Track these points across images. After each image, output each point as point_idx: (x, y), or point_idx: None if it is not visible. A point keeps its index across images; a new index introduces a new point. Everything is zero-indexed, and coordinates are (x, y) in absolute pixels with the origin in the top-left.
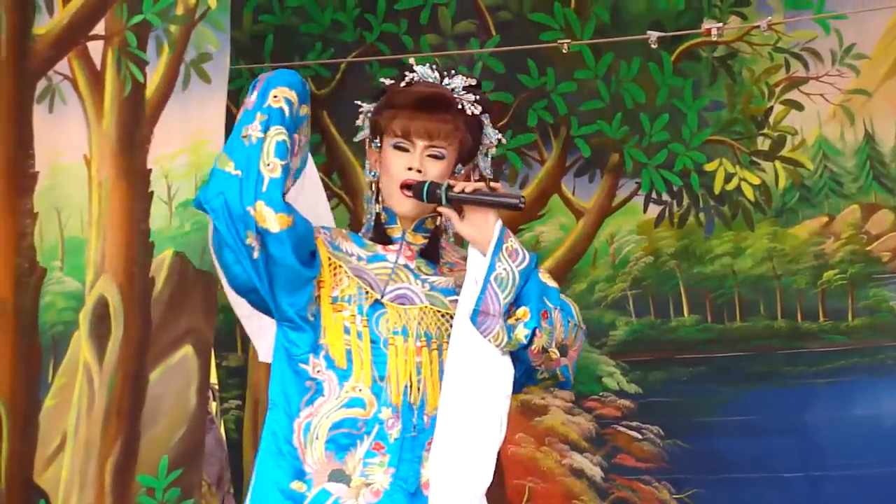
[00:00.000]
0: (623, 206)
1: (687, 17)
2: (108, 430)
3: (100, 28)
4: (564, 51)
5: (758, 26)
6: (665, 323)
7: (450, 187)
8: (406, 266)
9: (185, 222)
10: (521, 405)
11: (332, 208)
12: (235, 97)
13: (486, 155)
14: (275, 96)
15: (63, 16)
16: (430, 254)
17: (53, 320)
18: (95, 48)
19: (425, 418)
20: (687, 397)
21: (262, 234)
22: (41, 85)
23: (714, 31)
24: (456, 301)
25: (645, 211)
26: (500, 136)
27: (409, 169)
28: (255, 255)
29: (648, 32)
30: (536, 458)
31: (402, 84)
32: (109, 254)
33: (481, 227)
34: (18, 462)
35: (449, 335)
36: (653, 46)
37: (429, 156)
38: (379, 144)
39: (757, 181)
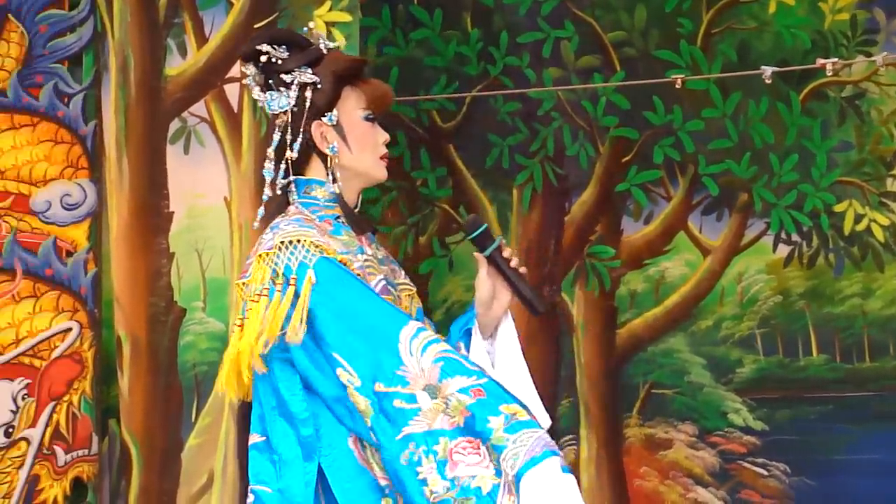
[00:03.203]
0: (752, 246)
1: (813, 55)
2: None
3: (235, 71)
4: (678, 86)
5: (874, 61)
6: (794, 362)
7: (500, 248)
8: (374, 255)
9: None
10: (645, 439)
11: (458, 242)
12: None
13: None
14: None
15: (198, 58)
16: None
17: (196, 360)
18: (231, 90)
19: None
20: (814, 435)
21: None
22: (174, 126)
23: (829, 67)
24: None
25: (774, 251)
26: None
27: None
28: None
29: (762, 68)
30: (661, 492)
31: (328, 51)
32: None
33: (500, 299)
34: (157, 499)
35: None
36: (766, 82)
37: None
38: (335, 118)
39: (886, 222)
